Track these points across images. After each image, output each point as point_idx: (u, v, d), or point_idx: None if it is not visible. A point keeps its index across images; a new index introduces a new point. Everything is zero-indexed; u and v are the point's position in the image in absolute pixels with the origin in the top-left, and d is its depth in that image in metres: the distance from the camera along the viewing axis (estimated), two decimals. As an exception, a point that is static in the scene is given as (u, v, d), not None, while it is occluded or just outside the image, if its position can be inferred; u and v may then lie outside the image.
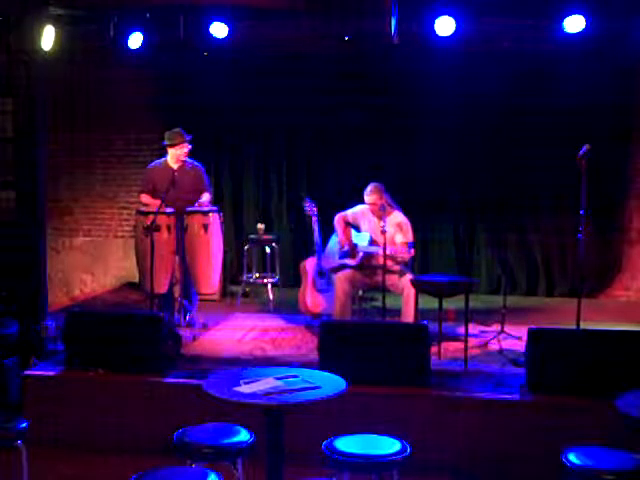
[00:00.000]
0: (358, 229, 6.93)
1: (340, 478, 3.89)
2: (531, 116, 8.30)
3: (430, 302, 6.41)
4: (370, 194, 6.70)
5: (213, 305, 7.94)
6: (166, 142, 6.90)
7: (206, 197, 6.94)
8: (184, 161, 6.92)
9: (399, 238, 6.62)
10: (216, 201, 8.04)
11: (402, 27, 6.14)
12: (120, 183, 9.39)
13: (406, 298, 6.49)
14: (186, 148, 6.88)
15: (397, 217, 6.72)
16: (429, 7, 6.18)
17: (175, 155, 6.89)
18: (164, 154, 7.00)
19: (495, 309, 7.18)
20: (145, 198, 6.95)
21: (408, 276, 6.54)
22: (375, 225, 6.72)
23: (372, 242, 6.72)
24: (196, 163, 7.07)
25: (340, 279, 6.69)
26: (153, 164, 7.13)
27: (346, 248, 6.83)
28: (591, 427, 4.81)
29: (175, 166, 6.90)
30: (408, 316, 6.43)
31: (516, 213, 8.71)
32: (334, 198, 8.08)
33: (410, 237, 6.68)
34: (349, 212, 6.97)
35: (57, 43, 6.47)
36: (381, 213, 6.40)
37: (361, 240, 6.80)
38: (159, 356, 5.67)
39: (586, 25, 6.09)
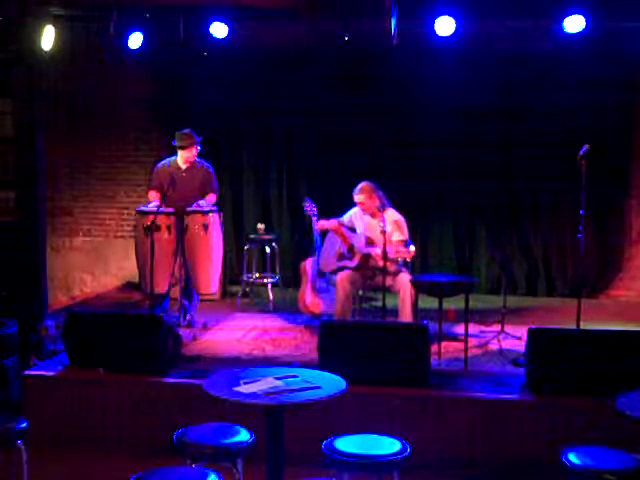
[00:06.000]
0: (354, 231, 6.90)
1: (340, 478, 3.89)
2: (531, 116, 8.31)
3: (430, 302, 6.41)
4: (358, 193, 6.67)
5: (213, 305, 7.93)
6: (176, 143, 6.88)
7: (210, 199, 6.93)
8: (194, 161, 6.93)
9: (396, 236, 6.58)
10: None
11: (402, 27, 6.13)
12: (120, 183, 9.38)
13: (403, 297, 6.46)
14: (195, 150, 6.89)
15: (393, 215, 6.68)
16: (429, 7, 6.18)
17: (184, 156, 6.90)
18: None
19: (495, 309, 7.18)
20: (152, 195, 6.96)
21: (405, 276, 6.52)
22: (370, 225, 6.69)
23: (367, 242, 6.69)
24: (206, 164, 7.06)
25: (341, 280, 6.65)
26: (163, 162, 7.11)
27: (343, 250, 6.80)
28: (591, 427, 4.81)
29: (184, 166, 6.91)
30: (406, 315, 6.41)
31: (516, 213, 8.71)
32: (334, 199, 8.07)
33: (406, 234, 6.67)
34: (344, 217, 6.97)
35: (57, 43, 6.47)
36: (379, 213, 6.39)
37: (357, 241, 6.77)
38: (159, 356, 5.66)
39: (586, 25, 6.09)
